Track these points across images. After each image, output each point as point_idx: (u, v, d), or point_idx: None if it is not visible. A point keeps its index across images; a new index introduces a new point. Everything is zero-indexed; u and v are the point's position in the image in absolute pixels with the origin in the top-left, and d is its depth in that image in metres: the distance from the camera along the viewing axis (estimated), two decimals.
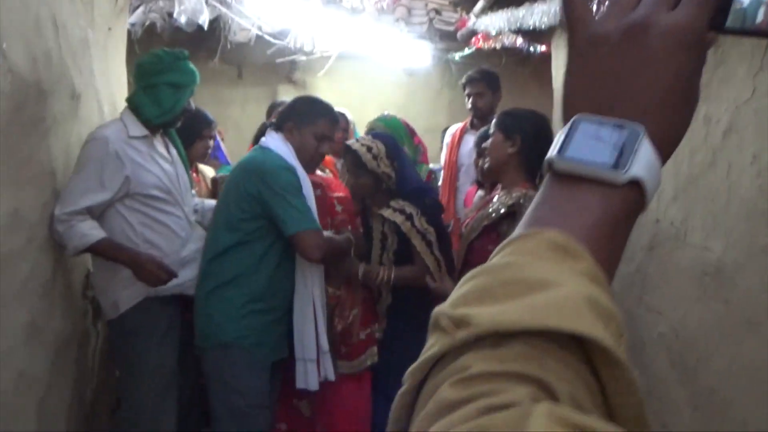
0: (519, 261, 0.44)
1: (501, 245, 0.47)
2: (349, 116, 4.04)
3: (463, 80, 3.98)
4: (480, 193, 2.99)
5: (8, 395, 2.01)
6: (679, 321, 2.14)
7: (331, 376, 2.66)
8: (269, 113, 4.23)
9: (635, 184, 0.46)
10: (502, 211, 2.23)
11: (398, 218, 2.67)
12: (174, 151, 2.82)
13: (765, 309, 1.71)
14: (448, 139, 4.13)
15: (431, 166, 3.92)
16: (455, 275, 2.58)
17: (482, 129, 2.88)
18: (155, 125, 2.64)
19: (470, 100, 3.89)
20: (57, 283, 2.47)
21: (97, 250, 2.45)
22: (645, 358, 2.31)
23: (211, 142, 3.48)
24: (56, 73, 2.38)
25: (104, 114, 3.07)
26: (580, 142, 0.47)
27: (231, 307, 2.53)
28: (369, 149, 2.72)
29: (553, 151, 0.48)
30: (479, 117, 3.89)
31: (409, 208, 2.70)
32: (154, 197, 2.57)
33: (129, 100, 2.67)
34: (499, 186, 2.44)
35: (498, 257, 0.46)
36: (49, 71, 2.29)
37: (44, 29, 2.27)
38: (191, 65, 2.70)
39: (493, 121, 2.45)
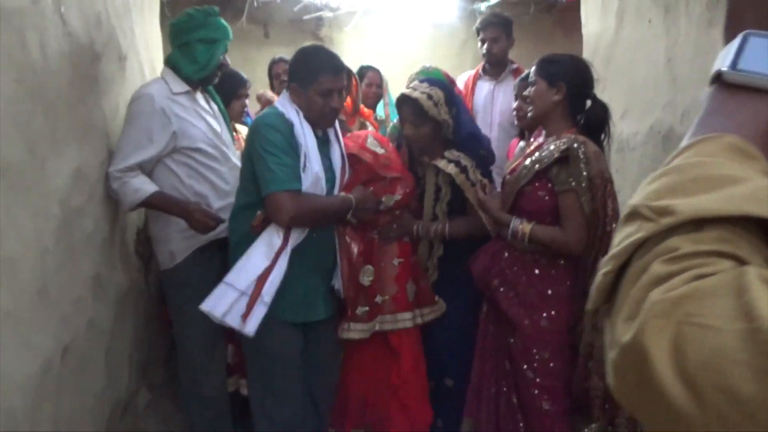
0: (705, 161, 0.52)
1: (680, 149, 0.55)
2: (383, 73, 4.07)
3: (478, 24, 3.88)
4: (521, 144, 3.00)
5: (80, 341, 2.16)
6: None
7: (251, 330, 2.34)
8: (270, 71, 4.28)
9: None
10: (556, 155, 2.23)
11: (453, 170, 2.66)
12: (215, 107, 2.91)
13: None
14: (460, 87, 3.98)
15: None
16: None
17: (522, 75, 2.89)
18: (195, 81, 2.72)
19: (485, 45, 3.80)
20: (115, 238, 2.61)
21: (150, 203, 2.57)
22: None
23: (248, 101, 3.56)
24: (106, 35, 2.47)
25: (145, 75, 3.16)
26: (751, 56, 0.53)
27: None
28: (429, 96, 2.65)
29: (723, 64, 0.54)
30: (493, 63, 3.84)
31: (465, 160, 2.68)
32: (201, 150, 2.66)
33: (167, 59, 2.75)
34: (542, 133, 2.46)
35: (680, 159, 0.54)
36: (99, 33, 2.39)
37: None
38: (222, 21, 2.76)
39: (533, 68, 2.43)
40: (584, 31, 3.52)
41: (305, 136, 2.45)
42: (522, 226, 2.33)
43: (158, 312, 3.23)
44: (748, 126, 0.53)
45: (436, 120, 2.64)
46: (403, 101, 2.72)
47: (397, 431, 2.72)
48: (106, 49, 2.47)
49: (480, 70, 3.97)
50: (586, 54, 3.49)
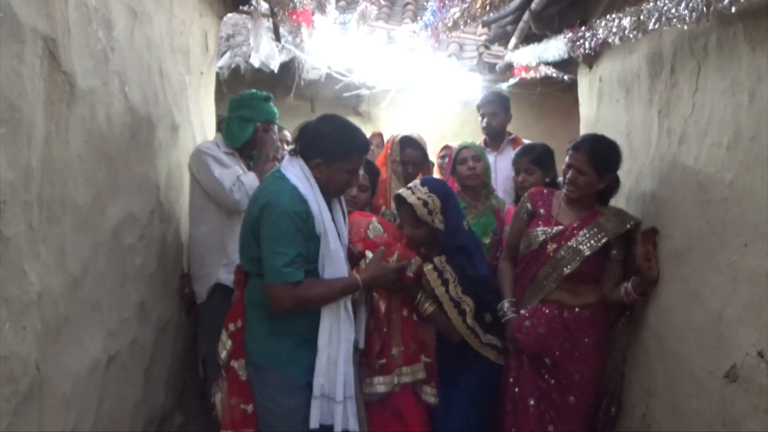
0: None
1: None
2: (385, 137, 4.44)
3: (478, 102, 4.34)
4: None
5: (124, 355, 2.57)
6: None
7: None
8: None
9: None
10: (628, 227, 2.69)
11: (433, 278, 2.70)
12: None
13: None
14: None
15: None
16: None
17: (519, 149, 3.44)
18: (233, 148, 3.26)
19: (485, 120, 4.23)
20: (159, 275, 3.07)
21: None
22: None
23: None
24: (161, 109, 3.04)
25: (197, 141, 3.72)
26: None
27: (258, 329, 2.54)
28: (425, 204, 2.69)
29: None
30: (492, 135, 4.26)
31: (448, 274, 2.72)
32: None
33: (217, 126, 3.32)
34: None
35: None
36: (156, 108, 2.95)
37: (153, 76, 2.93)
38: (267, 105, 3.26)
39: (583, 156, 2.67)
40: (580, 110, 3.95)
41: (321, 213, 2.42)
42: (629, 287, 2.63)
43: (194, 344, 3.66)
44: None
45: (431, 226, 2.71)
46: (401, 202, 2.78)
47: None
48: (161, 120, 3.03)
49: (482, 143, 4.32)
50: (582, 129, 3.91)
